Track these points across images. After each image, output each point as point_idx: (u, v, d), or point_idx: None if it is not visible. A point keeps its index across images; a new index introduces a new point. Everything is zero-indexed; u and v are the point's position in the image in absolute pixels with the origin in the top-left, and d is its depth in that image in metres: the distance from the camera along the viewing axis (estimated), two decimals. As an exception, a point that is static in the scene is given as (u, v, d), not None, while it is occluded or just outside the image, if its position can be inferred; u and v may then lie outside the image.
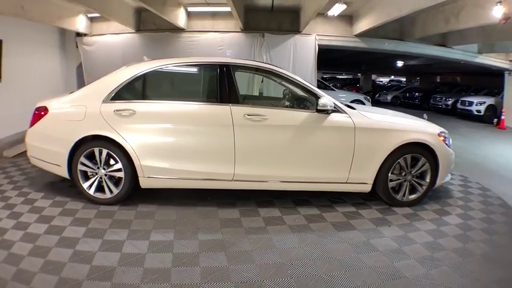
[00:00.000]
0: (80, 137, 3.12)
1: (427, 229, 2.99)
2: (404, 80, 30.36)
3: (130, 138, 3.09)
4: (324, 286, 2.11)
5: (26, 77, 6.25)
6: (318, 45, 9.04)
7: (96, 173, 3.20)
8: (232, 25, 8.50)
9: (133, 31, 7.95)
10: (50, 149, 3.25)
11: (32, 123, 3.34)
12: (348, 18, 8.96)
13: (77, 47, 8.17)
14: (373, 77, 30.14)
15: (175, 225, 2.87)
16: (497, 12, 4.63)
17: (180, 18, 7.60)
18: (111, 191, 3.20)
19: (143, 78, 3.31)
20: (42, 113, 3.29)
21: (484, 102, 11.65)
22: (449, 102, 14.22)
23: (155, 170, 3.14)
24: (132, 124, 3.11)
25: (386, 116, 3.60)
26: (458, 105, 13.00)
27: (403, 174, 3.38)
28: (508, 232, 3.02)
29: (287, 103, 3.75)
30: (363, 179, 3.29)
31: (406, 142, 3.26)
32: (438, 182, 3.51)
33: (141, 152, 3.10)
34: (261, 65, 3.54)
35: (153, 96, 3.38)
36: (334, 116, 3.16)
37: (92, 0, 5.36)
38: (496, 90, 12.07)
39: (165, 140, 3.17)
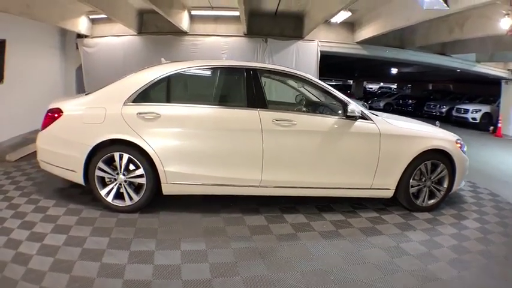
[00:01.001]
0: (99, 141, 3.06)
1: (449, 233, 3.19)
2: (395, 87, 31.27)
3: (154, 142, 3.06)
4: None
5: (26, 78, 6.25)
6: (320, 51, 9.35)
7: (115, 179, 3.14)
8: (235, 29, 8.71)
9: (135, 33, 8.04)
10: (64, 154, 3.18)
11: (44, 125, 3.26)
12: (349, 25, 9.29)
13: (77, 48, 8.20)
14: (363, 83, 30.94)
15: (204, 234, 2.87)
16: (505, 24, 4.95)
17: (184, 21, 7.74)
18: (131, 198, 3.15)
19: (167, 80, 3.29)
20: (56, 115, 3.20)
21: (480, 110, 12.18)
22: (444, 110, 14.79)
23: (180, 176, 3.13)
24: (156, 128, 3.09)
25: (409, 123, 3.82)
26: (454, 113, 13.52)
27: (423, 180, 3.57)
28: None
29: (306, 108, 3.89)
30: (386, 185, 3.47)
31: (428, 149, 3.47)
32: (454, 188, 3.74)
33: (166, 158, 3.08)
34: (288, 71, 3.60)
35: (178, 100, 3.37)
36: (360, 123, 3.33)
37: (101, 1, 5.42)
38: (492, 98, 12.64)
39: (191, 144, 3.15)
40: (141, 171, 3.10)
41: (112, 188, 3.16)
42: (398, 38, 9.41)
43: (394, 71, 20.14)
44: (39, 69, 6.78)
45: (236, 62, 3.60)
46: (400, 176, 3.45)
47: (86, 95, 3.62)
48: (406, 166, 3.43)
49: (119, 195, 3.17)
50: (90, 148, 3.06)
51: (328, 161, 3.32)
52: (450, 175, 3.63)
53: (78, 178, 3.17)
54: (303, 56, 9.20)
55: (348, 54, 9.95)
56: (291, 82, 3.99)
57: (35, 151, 5.04)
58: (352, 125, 3.30)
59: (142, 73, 3.37)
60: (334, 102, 3.47)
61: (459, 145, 3.71)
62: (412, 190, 3.55)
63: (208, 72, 3.62)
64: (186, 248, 2.63)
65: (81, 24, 7.51)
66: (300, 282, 2.29)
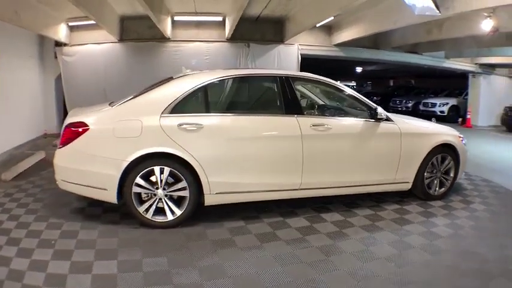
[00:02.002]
0: (138, 155, 3.07)
1: (464, 216, 3.80)
2: (354, 84, 33.04)
3: (198, 154, 3.15)
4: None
5: (7, 91, 6.07)
6: (300, 54, 9.97)
7: (154, 194, 3.18)
8: (217, 35, 9.02)
9: (116, 41, 8.06)
10: (92, 171, 3.12)
11: (65, 141, 3.19)
12: (327, 28, 9.98)
13: (56, 57, 8.04)
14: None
15: (264, 240, 3.10)
16: (486, 26, 5.79)
17: (168, 27, 7.91)
18: (172, 213, 3.21)
19: (204, 90, 3.39)
20: (80, 130, 3.13)
21: (447, 103, 13.58)
22: (410, 105, 16.16)
23: (224, 185, 3.28)
24: (199, 139, 3.19)
25: (419, 122, 4.43)
26: (421, 107, 14.87)
27: (434, 171, 4.18)
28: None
29: (329, 112, 4.26)
30: (406, 178, 4.03)
31: (439, 143, 4.09)
32: (458, 176, 4.41)
33: (209, 168, 3.18)
34: (317, 78, 3.94)
35: (218, 109, 3.52)
36: (384, 124, 3.84)
37: (91, 7, 5.49)
38: (457, 91, 14.13)
39: (234, 153, 3.31)
40: (183, 184, 3.18)
41: (152, 204, 3.18)
42: (373, 39, 10.21)
43: (358, 69, 21.59)
44: (19, 82, 6.61)
45: (269, 70, 3.87)
46: (417, 169, 4.03)
47: (109, 104, 3.61)
48: (422, 160, 4.02)
49: (158, 211, 3.21)
50: (127, 163, 3.06)
51: (360, 161, 3.78)
52: (456, 166, 4.29)
53: (110, 196, 3.14)
54: (285, 60, 9.74)
55: (326, 57, 10.65)
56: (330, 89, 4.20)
57: (29, 168, 5.12)
58: (378, 126, 3.80)
59: (176, 83, 3.45)
60: (358, 106, 3.96)
61: (461, 139, 4.39)
62: (426, 181, 4.15)
63: (243, 81, 3.85)
64: (266, 254, 2.83)
65: (61, 32, 7.41)
66: (379, 270, 2.64)
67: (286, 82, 3.62)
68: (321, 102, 4.41)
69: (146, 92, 3.50)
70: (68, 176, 3.27)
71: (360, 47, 10.49)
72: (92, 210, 3.65)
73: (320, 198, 3.92)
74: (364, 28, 7.96)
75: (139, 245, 2.94)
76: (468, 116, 11.99)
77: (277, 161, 3.48)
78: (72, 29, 7.88)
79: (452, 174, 4.30)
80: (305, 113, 3.68)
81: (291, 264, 2.69)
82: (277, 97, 3.64)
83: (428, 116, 13.97)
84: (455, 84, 14.49)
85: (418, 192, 4.18)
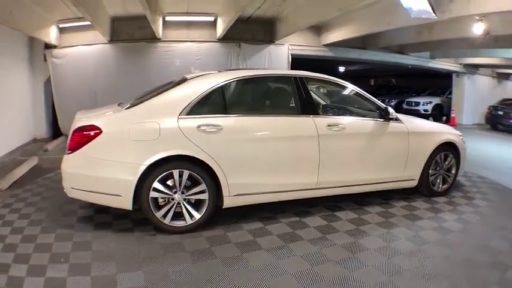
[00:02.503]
0: (156, 159, 3.02)
1: (470, 211, 4.04)
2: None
3: (217, 156, 3.16)
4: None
5: None
6: (291, 54, 10.16)
7: (172, 199, 3.16)
8: (207, 35, 9.07)
9: (106, 42, 7.97)
10: (106, 177, 3.05)
11: (74, 146, 3.10)
12: (316, 29, 10.23)
13: (45, 60, 7.84)
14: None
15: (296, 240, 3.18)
16: (478, 29, 6.14)
17: (160, 27, 7.90)
18: (191, 217, 3.22)
19: (220, 91, 3.41)
20: (92, 134, 3.04)
21: (431, 102, 14.18)
22: (393, 103, 16.70)
23: (243, 187, 3.32)
24: (218, 140, 3.20)
25: (424, 121, 4.66)
26: (404, 106, 15.43)
27: (437, 169, 4.42)
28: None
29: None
30: (412, 176, 4.24)
31: (443, 142, 4.33)
32: (459, 173, 4.68)
33: (229, 170, 3.21)
34: (329, 78, 4.07)
35: (235, 110, 3.50)
36: (393, 123, 4.03)
37: (88, 7, 5.43)
38: (440, 90, 14.77)
39: (253, 154, 3.36)
40: (202, 186, 3.19)
41: (170, 209, 3.16)
42: (361, 39, 10.54)
43: (341, 69, 22.11)
44: (9, 86, 6.44)
45: (283, 70, 3.95)
46: (423, 167, 4.25)
47: (118, 106, 3.62)
48: (427, 158, 4.24)
49: (175, 216, 3.19)
50: (145, 168, 3.00)
51: (371, 159, 3.95)
52: (457, 163, 4.55)
53: (125, 203, 3.07)
54: (275, 60, 9.92)
55: (315, 57, 10.89)
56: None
57: (23, 175, 4.98)
58: (388, 126, 3.99)
59: (192, 84, 3.44)
60: (368, 106, 4.12)
61: (461, 137, 4.66)
62: (431, 179, 4.38)
63: (258, 82, 3.90)
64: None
65: (52, 34, 7.26)
66: (405, 265, 2.79)
67: (301, 82, 3.72)
68: (332, 103, 4.56)
69: (160, 93, 3.46)
70: (78, 183, 3.16)
71: (348, 47, 10.81)
72: (100, 217, 3.58)
73: (331, 197, 4.02)
74: (355, 29, 8.22)
75: (162, 253, 2.89)
76: (453, 115, 12.58)
77: (294, 161, 3.57)
78: (61, 30, 7.76)
79: (453, 172, 4.56)
80: (320, 113, 3.78)
81: (321, 264, 2.79)
82: (293, 97, 3.74)
83: (412, 115, 14.49)
84: (438, 83, 15.15)
85: (423, 189, 4.40)
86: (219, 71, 3.81)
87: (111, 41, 7.96)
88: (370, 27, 7.61)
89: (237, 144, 3.32)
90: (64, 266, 2.65)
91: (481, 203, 4.36)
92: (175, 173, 3.13)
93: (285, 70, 3.97)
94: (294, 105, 3.74)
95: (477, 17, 5.74)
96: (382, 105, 4.07)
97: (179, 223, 3.22)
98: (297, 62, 10.18)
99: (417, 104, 14.64)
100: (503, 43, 7.67)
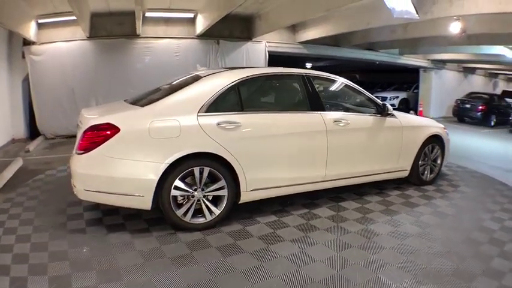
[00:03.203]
0: (178, 156, 3.07)
1: (458, 197, 4.51)
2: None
3: (237, 152, 3.28)
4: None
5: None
6: (268, 51, 10.42)
7: (192, 196, 3.23)
8: (186, 31, 9.09)
9: (85, 38, 7.77)
10: (125, 177, 3.04)
11: (87, 146, 3.05)
12: (291, 26, 10.54)
13: (23, 57, 7.52)
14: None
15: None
16: (455, 28, 6.68)
17: (140, 23, 7.81)
18: (210, 213, 3.32)
19: (236, 88, 3.51)
20: (108, 133, 3.01)
21: (398, 97, 15.10)
22: (359, 99, 17.56)
23: (259, 182, 3.47)
24: (237, 137, 3.32)
25: (412, 116, 5.08)
26: (371, 101, 16.24)
27: (425, 159, 4.86)
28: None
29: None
30: (405, 167, 4.64)
31: (431, 135, 4.76)
32: (444, 163, 5.17)
33: (247, 166, 3.34)
34: (333, 77, 4.33)
35: (251, 107, 3.63)
36: (389, 118, 4.38)
37: (75, 2, 5.29)
38: (406, 85, 15.74)
39: (268, 150, 3.51)
40: (221, 183, 3.29)
41: (190, 206, 3.23)
42: (334, 37, 11.00)
43: (308, 65, 22.81)
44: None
45: (292, 69, 4.09)
46: (414, 158, 4.66)
47: (127, 102, 3.65)
48: (417, 150, 4.65)
49: (195, 213, 3.26)
50: (166, 166, 3.04)
51: (372, 152, 4.28)
52: (442, 154, 5.03)
53: (145, 203, 3.09)
54: (253, 57, 10.15)
55: (291, 54, 11.25)
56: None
57: (11, 178, 4.78)
58: (385, 121, 4.34)
59: (208, 82, 3.51)
60: (367, 102, 4.44)
61: (446, 130, 5.13)
62: (420, 169, 4.81)
63: (270, 79, 4.08)
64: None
65: (32, 30, 6.97)
66: (417, 246, 3.12)
67: (308, 80, 3.96)
68: (334, 99, 4.84)
69: (173, 90, 3.50)
70: (93, 185, 3.09)
71: (322, 45, 11.25)
72: (110, 219, 3.54)
73: (332, 188, 4.26)
74: (333, 27, 8.61)
75: (189, 251, 2.94)
76: (420, 108, 13.49)
77: (306, 155, 3.80)
78: (40, 26, 7.49)
79: (439, 162, 5.03)
80: (326, 109, 4.02)
81: (344, 250, 3.05)
82: (302, 95, 3.95)
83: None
84: (404, 78, 16.11)
85: (414, 179, 4.81)
86: (231, 69, 3.94)
87: (90, 37, 7.77)
88: (349, 26, 8.01)
89: (254, 140, 3.46)
90: (91, 274, 2.56)
91: (466, 189, 4.86)
92: (196, 170, 3.20)
93: (293, 68, 4.14)
94: (303, 102, 3.95)
95: (455, 17, 6.25)
96: (379, 101, 4.41)
97: (200, 220, 3.30)
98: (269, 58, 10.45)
99: (384, 98, 15.45)
100: (476, 40, 8.40)
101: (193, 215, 3.28)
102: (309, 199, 4.20)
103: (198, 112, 3.25)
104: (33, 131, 7.98)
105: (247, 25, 9.69)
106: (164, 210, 3.17)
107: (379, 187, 4.70)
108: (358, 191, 4.52)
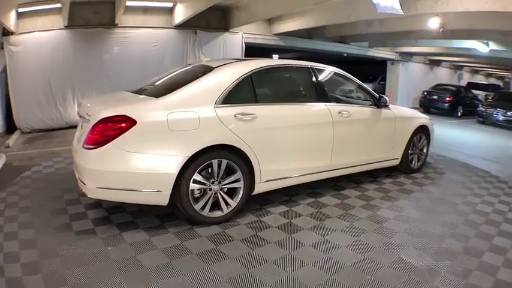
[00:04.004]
0: (198, 149, 3.03)
1: (446, 184, 4.88)
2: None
3: (253, 144, 3.32)
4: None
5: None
6: (245, 42, 10.45)
7: (210, 189, 3.21)
8: (164, 21, 8.88)
9: (63, 27, 7.38)
10: (143, 172, 2.94)
11: (100, 140, 2.88)
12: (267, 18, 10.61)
13: (1, 48, 7.06)
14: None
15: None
16: (434, 23, 7.07)
17: (122, 11, 7.54)
18: (227, 206, 3.34)
19: (250, 80, 3.51)
20: (123, 125, 2.88)
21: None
22: (326, 90, 18.12)
23: (273, 172, 3.53)
24: (254, 129, 3.35)
25: (405, 108, 5.39)
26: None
27: (414, 149, 5.19)
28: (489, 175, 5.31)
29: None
30: (396, 156, 4.93)
31: (419, 125, 5.09)
32: (428, 152, 5.54)
33: (262, 157, 3.38)
34: (335, 70, 4.46)
35: (264, 99, 3.69)
36: (384, 110, 4.63)
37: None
38: (371, 77, 16.42)
39: (281, 141, 3.59)
40: (237, 175, 3.30)
41: (208, 200, 3.21)
42: (308, 29, 11.22)
43: (275, 57, 23.04)
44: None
45: (300, 61, 4.16)
46: (404, 147, 4.96)
47: (130, 92, 3.59)
48: (408, 140, 4.96)
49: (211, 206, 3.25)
50: (186, 159, 2.98)
51: (369, 142, 4.50)
52: (428, 143, 5.39)
53: (163, 198, 3.02)
54: (230, 47, 10.15)
55: (267, 45, 11.35)
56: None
57: None
58: (381, 112, 4.58)
59: (222, 73, 3.48)
60: (364, 95, 4.66)
61: (431, 121, 5.49)
62: (410, 157, 5.13)
63: (280, 71, 4.11)
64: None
65: (12, 19, 6.55)
66: (423, 228, 3.36)
67: (314, 72, 4.09)
68: (335, 91, 5.01)
69: (184, 81, 3.43)
70: (107, 181, 2.92)
71: (296, 37, 11.45)
72: (117, 217, 3.41)
73: (331, 178, 4.40)
74: (312, 20, 8.79)
75: (214, 246, 2.93)
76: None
77: (314, 145, 3.92)
78: (19, 16, 7.06)
79: (425, 151, 5.40)
80: (330, 101, 4.16)
81: (361, 234, 3.23)
82: (310, 86, 4.07)
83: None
84: (369, 70, 16.80)
85: (403, 167, 5.13)
86: (241, 60, 3.94)
87: (68, 26, 7.41)
88: (330, 19, 8.22)
89: (269, 131, 3.51)
90: (119, 279, 2.44)
91: (452, 176, 5.27)
92: (215, 162, 3.18)
93: (301, 61, 4.23)
94: (311, 93, 4.07)
95: (434, 13, 6.63)
96: (376, 94, 4.64)
97: (217, 213, 3.30)
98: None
99: (350, 90, 16.05)
100: (451, 35, 8.96)
101: (210, 209, 3.26)
102: (310, 189, 4.35)
103: (215, 104, 3.24)
104: (9, 125, 7.54)
105: (225, 16, 9.64)
106: (182, 205, 3.12)
107: (372, 176, 4.96)
108: (354, 179, 4.76)
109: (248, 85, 3.54)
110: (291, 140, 3.73)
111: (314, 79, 4.07)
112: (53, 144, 6.57)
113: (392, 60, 15.27)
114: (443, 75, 19.42)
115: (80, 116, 3.52)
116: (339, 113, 4.08)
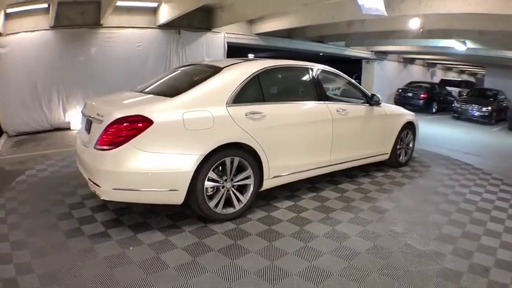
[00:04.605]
0: (213, 147, 3.12)
1: (434, 175, 5.23)
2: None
3: (263, 142, 3.46)
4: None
5: None
6: (227, 42, 10.53)
7: (223, 187, 3.32)
8: (147, 21, 8.82)
9: (48, 28, 7.23)
10: (162, 172, 2.98)
11: (115, 141, 2.89)
12: (249, 17, 10.75)
13: None
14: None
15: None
16: (415, 24, 7.45)
17: (111, 11, 7.45)
18: (239, 202, 3.45)
19: (257, 79, 3.65)
20: (140, 125, 2.91)
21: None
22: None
23: (279, 169, 3.69)
24: (263, 127, 3.49)
25: (393, 106, 5.70)
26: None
27: (401, 144, 5.51)
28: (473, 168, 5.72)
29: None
30: (386, 151, 5.22)
31: (406, 122, 5.41)
32: (414, 147, 5.89)
33: (270, 154, 3.53)
34: (332, 70, 4.70)
35: (271, 98, 3.83)
36: (376, 108, 4.90)
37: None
38: (346, 75, 16.91)
39: (288, 138, 3.75)
40: (248, 172, 3.44)
41: (221, 197, 3.31)
42: (288, 29, 11.46)
43: (250, 56, 23.25)
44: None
45: (301, 62, 4.32)
46: (393, 142, 5.27)
47: (140, 92, 3.65)
48: (396, 135, 5.27)
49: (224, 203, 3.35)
50: (202, 158, 3.07)
51: (365, 138, 4.75)
52: (413, 139, 5.73)
53: (179, 197, 3.09)
54: (212, 47, 10.21)
55: (248, 45, 11.48)
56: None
57: None
58: (373, 110, 4.85)
59: (231, 73, 3.58)
60: (358, 93, 4.90)
61: (416, 118, 5.84)
62: (398, 152, 5.45)
63: (284, 71, 4.27)
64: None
65: (0, 20, 6.36)
66: (424, 217, 3.64)
67: (315, 72, 4.31)
68: (332, 90, 5.22)
69: (193, 80, 3.54)
70: (124, 183, 2.92)
71: (276, 37, 11.66)
72: (128, 219, 3.40)
73: (328, 173, 4.60)
74: (297, 20, 9.00)
75: (232, 242, 3.01)
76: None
77: (316, 142, 4.13)
78: (7, 16, 6.84)
79: (411, 145, 5.74)
80: (329, 100, 4.39)
81: (367, 224, 3.46)
82: (311, 86, 4.27)
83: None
84: (343, 69, 17.27)
85: (392, 161, 5.43)
86: (246, 60, 4.04)
87: (53, 27, 7.25)
88: (313, 19, 8.44)
89: (276, 129, 3.66)
90: (148, 281, 2.43)
91: (438, 168, 5.65)
92: (228, 160, 3.29)
93: (302, 61, 4.42)
94: (312, 92, 4.27)
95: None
96: (368, 92, 4.91)
97: (230, 210, 3.40)
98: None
99: (326, 89, 16.48)
100: (429, 34, 9.41)
101: (223, 206, 3.36)
102: (310, 184, 4.54)
103: (226, 103, 3.34)
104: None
105: (207, 15, 9.68)
106: (197, 203, 3.18)
107: (364, 170, 5.23)
108: (348, 174, 5.00)
109: (256, 85, 3.68)
110: (296, 137, 3.90)
111: (314, 78, 4.28)
112: (41, 147, 6.41)
113: (368, 59, 15.85)
114: (416, 72, 20.26)
115: (86, 116, 3.51)
116: (337, 110, 4.30)
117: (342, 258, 2.82)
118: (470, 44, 10.50)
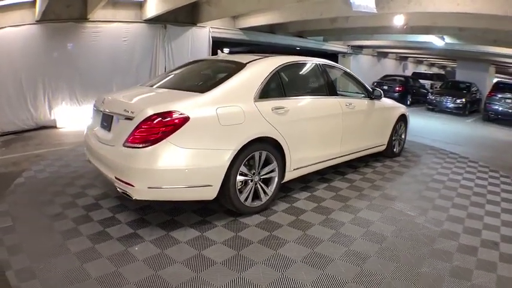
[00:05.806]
0: (245, 142, 3.22)
1: (427, 165, 5.70)
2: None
3: (287, 135, 3.64)
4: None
5: None
6: (212, 37, 10.61)
7: (251, 180, 3.46)
8: (133, 15, 8.73)
9: (34, 22, 6.98)
10: (199, 167, 3.03)
11: (147, 138, 2.88)
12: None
13: None
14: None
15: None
16: (399, 20, 7.88)
17: (102, 4, 7.31)
18: (265, 195, 3.61)
19: (278, 75, 3.83)
20: (177, 121, 2.92)
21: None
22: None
23: (299, 161, 3.89)
24: (287, 121, 3.66)
25: (387, 100, 6.07)
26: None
27: (396, 135, 5.95)
28: (460, 156, 6.24)
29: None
30: (383, 142, 5.64)
31: (400, 114, 5.85)
32: (406, 138, 6.36)
33: (292, 147, 3.72)
34: (339, 66, 4.98)
35: (291, 92, 4.01)
36: (376, 101, 5.28)
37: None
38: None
39: (307, 131, 3.97)
40: (274, 165, 3.60)
41: (250, 191, 3.44)
42: (270, 25, 11.63)
43: (226, 50, 23.25)
44: None
45: (314, 58, 4.58)
46: (390, 134, 5.69)
47: (151, 87, 3.76)
48: (392, 127, 5.70)
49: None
50: (235, 153, 3.16)
51: (367, 130, 5.13)
52: (405, 130, 6.20)
53: (212, 192, 3.16)
54: (197, 42, 10.28)
55: (233, 40, 11.59)
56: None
57: None
58: (374, 104, 5.23)
59: (255, 69, 3.70)
60: (360, 88, 5.25)
61: (407, 111, 6.30)
62: (393, 143, 5.88)
63: (300, 67, 4.49)
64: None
65: None
66: (429, 205, 4.04)
67: (326, 68, 4.60)
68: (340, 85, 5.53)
69: (217, 76, 3.69)
70: (160, 181, 2.93)
71: (259, 32, 11.85)
72: (154, 218, 3.39)
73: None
74: (283, 15, 9.22)
75: (267, 234, 3.15)
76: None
77: (329, 134, 4.43)
78: None
79: (403, 137, 6.21)
80: (338, 94, 4.72)
81: (384, 210, 3.82)
82: (323, 81, 4.55)
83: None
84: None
85: (388, 152, 5.85)
86: (266, 56, 4.14)
87: (39, 21, 7.01)
88: (301, 15, 8.68)
89: (298, 123, 3.85)
90: (203, 280, 2.48)
91: (429, 158, 6.18)
92: (257, 154, 3.44)
93: (315, 58, 4.66)
94: (324, 87, 4.55)
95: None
96: (369, 87, 5.28)
97: (257, 203, 3.56)
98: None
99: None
100: (411, 30, 9.88)
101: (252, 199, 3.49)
102: (319, 175, 4.83)
103: (254, 98, 3.48)
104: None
105: (193, 10, 9.69)
106: (229, 197, 3.28)
107: (363, 161, 5.61)
108: (350, 165, 5.34)
109: (277, 80, 3.88)
110: (313, 130, 4.17)
111: (325, 74, 4.58)
112: (32, 147, 6.24)
113: (344, 53, 16.43)
114: (389, 66, 21.17)
115: (104, 112, 3.49)
116: (346, 104, 4.63)
117: (373, 242, 3.15)
118: (448, 40, 11.05)
